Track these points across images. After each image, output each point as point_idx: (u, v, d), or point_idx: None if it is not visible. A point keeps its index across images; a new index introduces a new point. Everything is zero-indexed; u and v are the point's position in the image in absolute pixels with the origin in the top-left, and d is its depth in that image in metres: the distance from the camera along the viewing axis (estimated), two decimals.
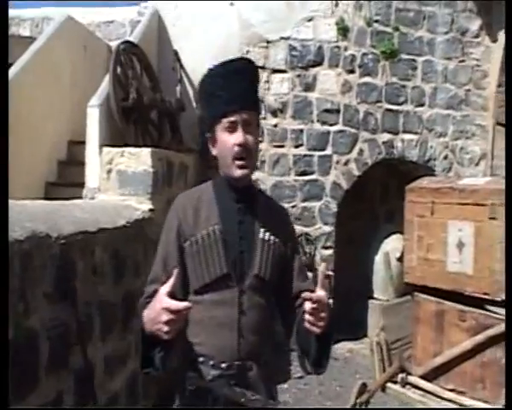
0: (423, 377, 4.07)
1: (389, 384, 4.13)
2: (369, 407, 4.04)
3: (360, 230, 6.58)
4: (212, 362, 1.58)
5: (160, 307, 1.35)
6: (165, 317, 1.33)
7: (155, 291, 1.43)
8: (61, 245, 2.33)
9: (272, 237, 1.66)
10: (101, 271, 2.76)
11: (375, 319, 6.21)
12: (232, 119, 1.58)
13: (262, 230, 1.65)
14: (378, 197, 6.93)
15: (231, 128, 1.59)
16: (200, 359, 1.59)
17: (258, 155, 1.69)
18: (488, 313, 3.81)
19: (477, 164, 6.33)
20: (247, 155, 1.59)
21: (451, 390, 3.82)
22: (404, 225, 4.51)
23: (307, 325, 1.44)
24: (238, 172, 1.60)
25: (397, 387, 4.09)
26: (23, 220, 2.19)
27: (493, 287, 3.67)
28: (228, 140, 1.59)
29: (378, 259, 6.26)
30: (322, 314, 1.42)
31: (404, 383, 4.10)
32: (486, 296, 3.76)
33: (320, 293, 1.42)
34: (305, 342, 1.57)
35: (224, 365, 1.57)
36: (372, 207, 6.84)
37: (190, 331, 1.61)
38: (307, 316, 1.42)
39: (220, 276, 1.59)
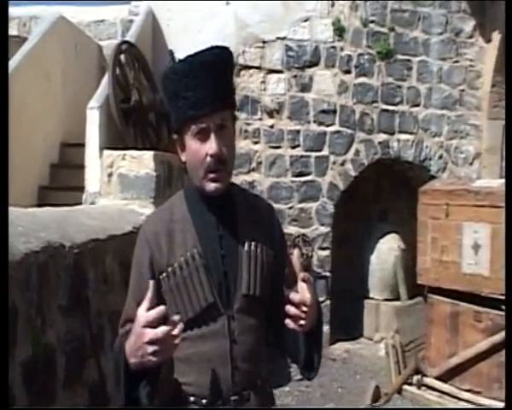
0: (438, 378, 4.06)
1: (405, 386, 4.13)
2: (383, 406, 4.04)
3: (354, 230, 6.57)
4: (204, 401, 1.39)
5: (139, 327, 1.18)
6: (148, 336, 1.16)
7: (130, 331, 1.26)
8: (75, 255, 2.25)
9: (259, 245, 1.46)
10: (112, 279, 2.68)
11: (371, 318, 6.22)
12: (202, 125, 1.35)
13: (246, 241, 1.45)
14: (371, 197, 6.93)
15: (202, 136, 1.36)
16: (191, 399, 1.40)
17: (234, 157, 1.46)
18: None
19: (471, 163, 6.38)
20: (221, 165, 1.37)
21: (468, 391, 3.82)
22: (418, 228, 4.52)
23: (289, 324, 1.31)
24: (211, 187, 1.38)
25: (413, 389, 4.07)
26: (36, 230, 2.10)
27: None
28: (199, 149, 1.36)
29: (374, 259, 6.27)
30: (305, 311, 1.28)
31: (420, 385, 4.09)
32: (504, 297, 3.77)
33: (304, 296, 1.28)
34: (295, 346, 1.44)
35: (219, 402, 1.39)
36: (366, 207, 6.84)
37: (177, 371, 1.43)
38: (288, 320, 1.30)
39: (205, 307, 1.39)
